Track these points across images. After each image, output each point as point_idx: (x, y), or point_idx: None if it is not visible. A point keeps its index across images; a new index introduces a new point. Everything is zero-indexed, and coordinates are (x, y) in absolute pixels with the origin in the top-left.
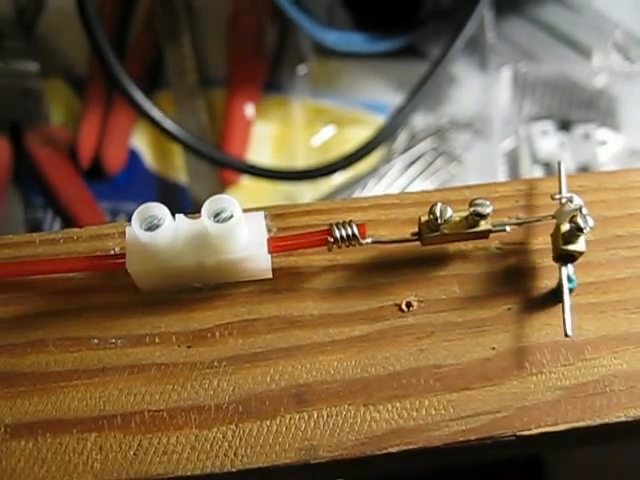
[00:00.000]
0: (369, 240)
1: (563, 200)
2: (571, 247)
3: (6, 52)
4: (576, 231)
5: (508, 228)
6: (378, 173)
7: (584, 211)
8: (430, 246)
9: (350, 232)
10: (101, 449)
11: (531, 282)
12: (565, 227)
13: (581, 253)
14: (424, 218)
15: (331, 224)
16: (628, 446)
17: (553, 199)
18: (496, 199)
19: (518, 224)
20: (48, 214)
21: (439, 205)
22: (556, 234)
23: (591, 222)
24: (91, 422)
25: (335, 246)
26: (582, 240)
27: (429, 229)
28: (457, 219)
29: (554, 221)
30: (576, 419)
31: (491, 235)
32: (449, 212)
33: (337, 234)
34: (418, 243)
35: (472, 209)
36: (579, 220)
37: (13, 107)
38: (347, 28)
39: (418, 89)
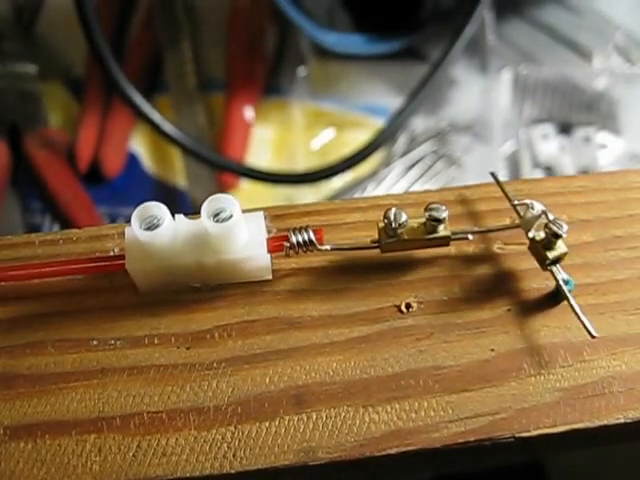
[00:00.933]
0: (327, 247)
1: (519, 208)
2: (555, 252)
3: (4, 54)
4: (554, 238)
5: (470, 236)
6: (378, 176)
7: (550, 216)
8: (389, 253)
9: (307, 238)
10: (100, 451)
11: (530, 283)
12: (540, 236)
13: (566, 253)
14: (381, 224)
15: (288, 229)
16: (629, 451)
17: (513, 206)
18: (496, 199)
19: (480, 232)
20: (46, 218)
21: (393, 210)
22: (534, 246)
23: (565, 226)
24: (90, 424)
25: (292, 252)
26: (561, 241)
27: (387, 235)
28: (415, 225)
29: (520, 229)
30: (575, 421)
31: (492, 236)
32: (403, 217)
33: (294, 240)
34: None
35: (427, 214)
36: (554, 227)
37: (11, 110)
38: (347, 30)
39: (418, 91)
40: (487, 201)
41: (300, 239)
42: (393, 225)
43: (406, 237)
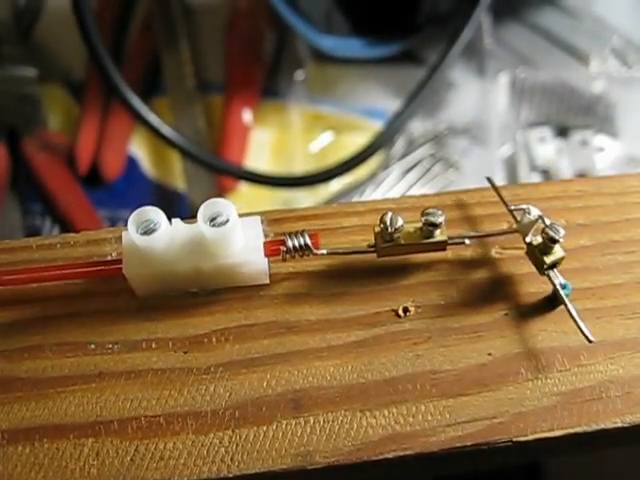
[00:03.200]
0: (324, 251)
1: (516, 212)
2: (552, 257)
3: (4, 58)
4: (551, 243)
5: (467, 241)
6: (376, 179)
7: (547, 221)
8: (386, 257)
9: (302, 242)
10: (98, 454)
11: (527, 288)
12: (537, 241)
13: (563, 257)
14: (377, 228)
15: (284, 234)
16: (628, 454)
17: (510, 211)
18: (493, 204)
19: (476, 237)
20: (46, 221)
21: (389, 214)
22: (531, 251)
23: (562, 230)
24: (88, 427)
25: (289, 256)
26: (558, 246)
27: (383, 239)
28: (411, 229)
29: (517, 234)
30: (572, 425)
31: (489, 240)
32: (400, 221)
33: (290, 244)
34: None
35: (424, 218)
36: (550, 232)
37: (11, 113)
38: (345, 33)
39: (416, 95)
40: (484, 206)
41: (296, 243)
42: (389, 230)
43: (402, 241)
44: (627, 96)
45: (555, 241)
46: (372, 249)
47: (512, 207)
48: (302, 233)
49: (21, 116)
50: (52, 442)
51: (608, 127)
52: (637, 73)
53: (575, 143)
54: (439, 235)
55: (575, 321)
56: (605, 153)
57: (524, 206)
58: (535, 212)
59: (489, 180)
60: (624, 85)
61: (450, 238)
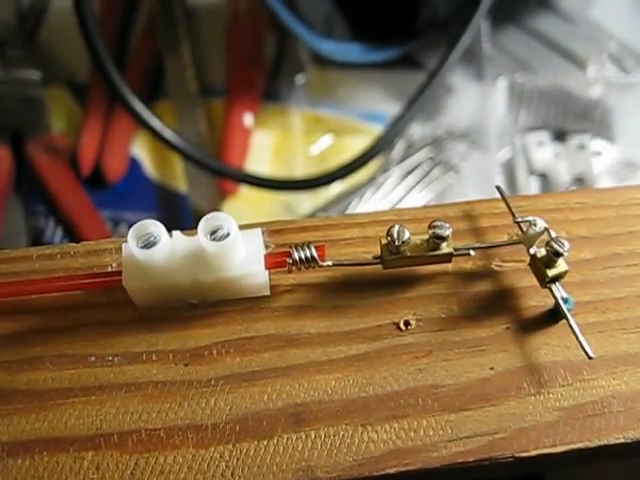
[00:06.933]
0: (329, 262)
1: (523, 225)
2: (555, 271)
3: (8, 60)
4: (555, 256)
5: (472, 252)
6: (375, 182)
7: (553, 234)
8: (392, 269)
9: (309, 254)
10: (98, 468)
11: (530, 301)
12: (541, 253)
13: (566, 271)
14: (384, 241)
15: (290, 246)
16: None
17: (516, 222)
18: (494, 215)
19: (481, 248)
20: (50, 222)
21: (396, 227)
22: (534, 263)
23: (567, 244)
24: (88, 441)
25: (294, 268)
26: (562, 260)
27: (389, 252)
28: (417, 242)
29: (522, 245)
30: (574, 440)
31: (490, 253)
32: (407, 234)
33: (296, 256)
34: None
35: (431, 231)
36: (555, 246)
37: (15, 115)
38: (345, 38)
39: (415, 99)
40: (487, 217)
41: (302, 255)
42: (396, 242)
43: (408, 254)
44: (624, 101)
45: (559, 255)
46: (377, 261)
47: (519, 219)
48: (308, 245)
49: (25, 118)
50: (52, 455)
51: (605, 131)
52: (634, 78)
53: (572, 147)
54: (445, 247)
55: (576, 337)
56: (602, 157)
57: (530, 218)
58: (541, 224)
59: (498, 189)
60: (621, 90)
61: (456, 250)
